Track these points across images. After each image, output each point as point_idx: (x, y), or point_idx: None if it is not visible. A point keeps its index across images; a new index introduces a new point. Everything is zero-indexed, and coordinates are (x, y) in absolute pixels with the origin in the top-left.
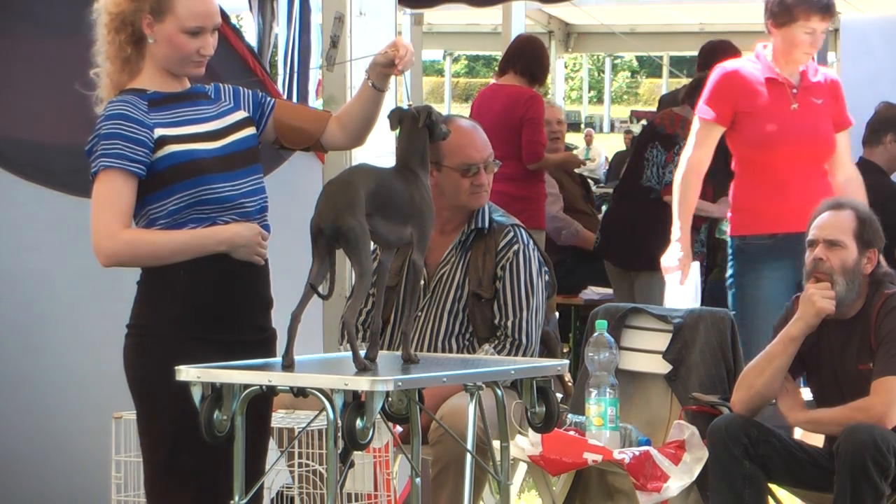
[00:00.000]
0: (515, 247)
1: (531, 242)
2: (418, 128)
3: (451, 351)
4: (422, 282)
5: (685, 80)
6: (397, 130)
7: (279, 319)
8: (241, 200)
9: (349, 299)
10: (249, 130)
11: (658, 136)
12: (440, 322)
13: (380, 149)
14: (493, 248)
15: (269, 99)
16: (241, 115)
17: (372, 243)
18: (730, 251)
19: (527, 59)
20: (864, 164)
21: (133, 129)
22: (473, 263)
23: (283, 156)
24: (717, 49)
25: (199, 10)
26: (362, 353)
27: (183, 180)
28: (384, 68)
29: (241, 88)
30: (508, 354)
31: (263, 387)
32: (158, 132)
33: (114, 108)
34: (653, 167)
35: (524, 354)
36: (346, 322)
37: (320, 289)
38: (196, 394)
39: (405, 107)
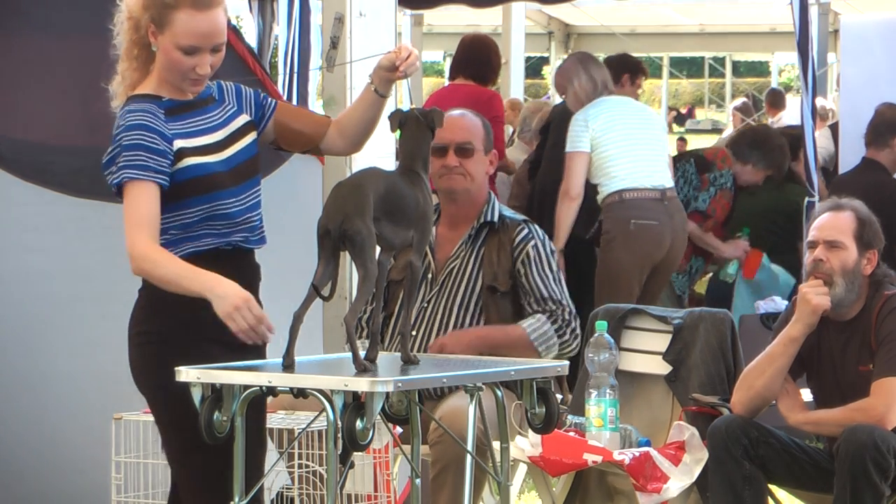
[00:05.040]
0: (532, 241)
1: (546, 237)
2: (422, 130)
3: None
4: (422, 280)
5: (685, 81)
6: (398, 133)
7: (281, 320)
8: (247, 215)
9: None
10: (251, 136)
11: (696, 157)
12: (450, 314)
13: (381, 150)
14: (508, 244)
15: (270, 100)
16: (243, 119)
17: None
18: None
19: (474, 62)
20: (867, 163)
21: (156, 140)
22: (488, 258)
23: (282, 157)
24: (617, 61)
25: (195, 29)
26: (362, 354)
27: (199, 195)
28: (387, 72)
29: (242, 87)
30: (563, 324)
31: (263, 387)
32: (177, 144)
33: (134, 118)
34: (679, 178)
35: (574, 326)
36: (347, 324)
37: (323, 290)
38: (196, 395)
39: (406, 109)
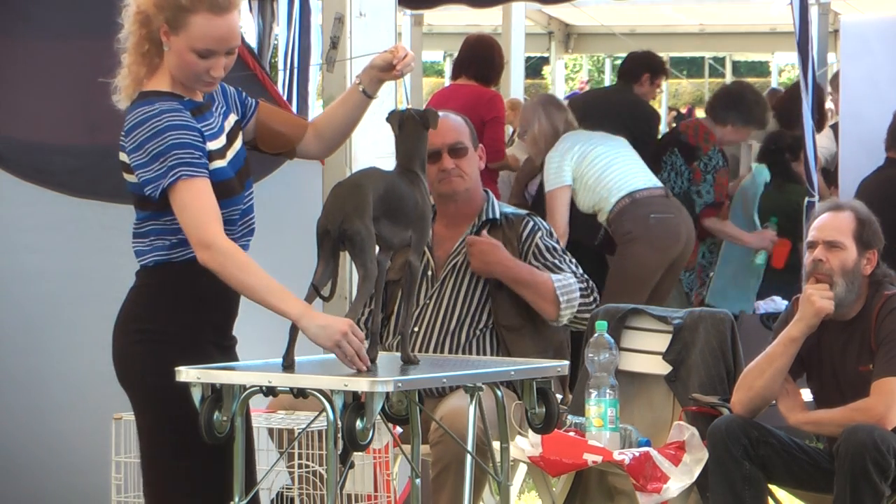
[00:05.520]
0: (539, 233)
1: (550, 228)
2: (419, 130)
3: (459, 339)
4: (422, 278)
5: (685, 81)
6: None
7: (281, 320)
8: (245, 218)
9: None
10: (241, 136)
11: (679, 144)
12: (453, 310)
13: (381, 150)
14: (515, 239)
15: (250, 99)
16: (233, 118)
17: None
18: None
19: (478, 62)
20: (889, 163)
21: (199, 140)
22: None
23: (283, 157)
24: (640, 59)
25: (212, 33)
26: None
27: (221, 200)
28: (380, 72)
29: (226, 86)
30: (588, 287)
31: (263, 388)
32: (207, 146)
33: (176, 117)
34: (669, 171)
35: (596, 296)
36: None
37: (323, 290)
38: (196, 394)
39: (403, 109)
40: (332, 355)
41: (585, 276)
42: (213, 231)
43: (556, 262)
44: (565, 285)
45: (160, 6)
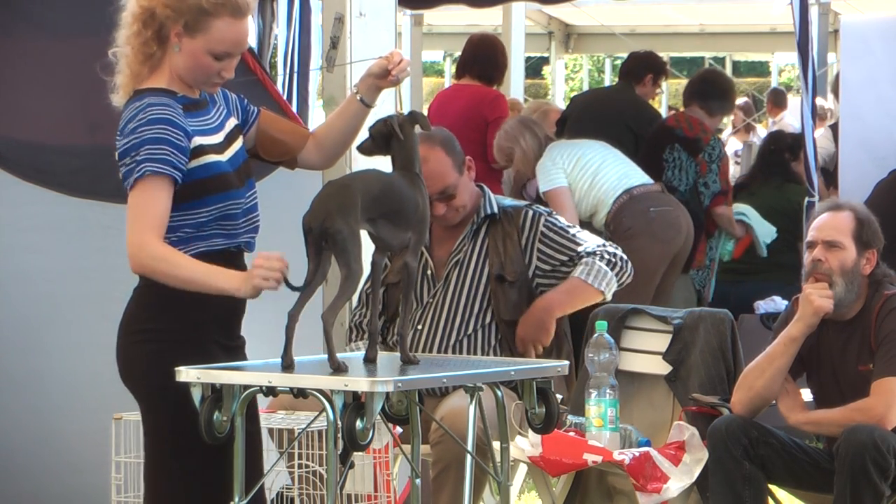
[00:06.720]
0: (541, 218)
1: (550, 210)
2: (414, 132)
3: (463, 335)
4: (423, 279)
5: (685, 81)
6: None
7: (279, 321)
8: (249, 216)
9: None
10: (241, 140)
11: (678, 139)
12: (456, 307)
13: None
14: (515, 233)
15: (252, 107)
16: (233, 122)
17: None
18: None
19: (481, 61)
20: None
21: (178, 136)
22: (493, 248)
23: (283, 167)
24: (643, 59)
25: (232, 37)
26: (361, 353)
27: (214, 193)
28: (377, 79)
29: (227, 91)
30: (611, 258)
31: (263, 388)
32: (196, 140)
33: (158, 112)
34: (675, 169)
35: (621, 255)
36: (325, 321)
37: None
38: (196, 395)
39: (393, 114)
40: None
41: (605, 242)
42: (145, 238)
43: (568, 240)
44: (592, 271)
45: (177, 9)
